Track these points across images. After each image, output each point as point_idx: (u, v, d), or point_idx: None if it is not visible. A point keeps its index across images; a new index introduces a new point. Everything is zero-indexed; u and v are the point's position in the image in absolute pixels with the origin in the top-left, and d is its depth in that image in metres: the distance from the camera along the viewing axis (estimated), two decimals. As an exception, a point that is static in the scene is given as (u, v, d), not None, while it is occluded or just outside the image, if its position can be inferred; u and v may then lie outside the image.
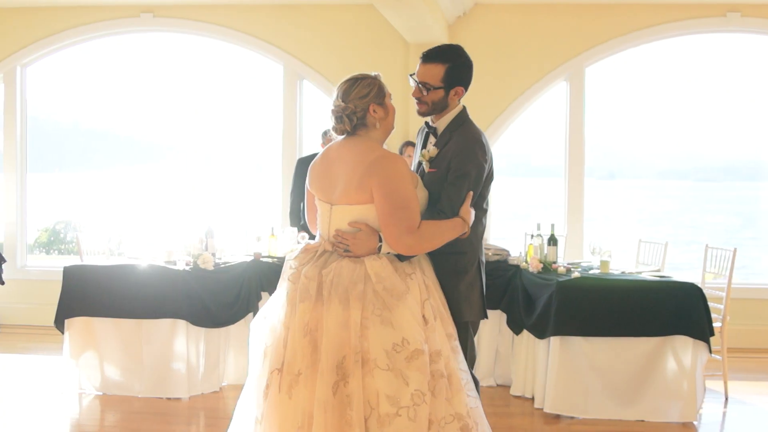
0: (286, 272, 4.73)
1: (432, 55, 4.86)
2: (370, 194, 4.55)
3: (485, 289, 5.04)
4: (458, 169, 4.72)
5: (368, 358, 4.36)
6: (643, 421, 7.48)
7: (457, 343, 4.63)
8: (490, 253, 8.69)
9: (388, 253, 4.59)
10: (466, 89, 4.94)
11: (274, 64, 11.80)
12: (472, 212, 4.77)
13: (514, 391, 8.33)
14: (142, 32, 12.17)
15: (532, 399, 8.06)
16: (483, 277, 4.99)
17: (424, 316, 4.51)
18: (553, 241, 8.61)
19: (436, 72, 4.82)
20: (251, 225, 10.70)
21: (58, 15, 11.81)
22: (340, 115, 4.66)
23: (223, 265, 8.39)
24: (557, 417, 7.60)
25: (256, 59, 12.13)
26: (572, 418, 7.57)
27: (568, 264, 8.66)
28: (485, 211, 5.01)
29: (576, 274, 7.86)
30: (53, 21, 11.83)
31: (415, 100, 4.94)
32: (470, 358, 4.91)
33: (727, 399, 8.32)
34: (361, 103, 4.62)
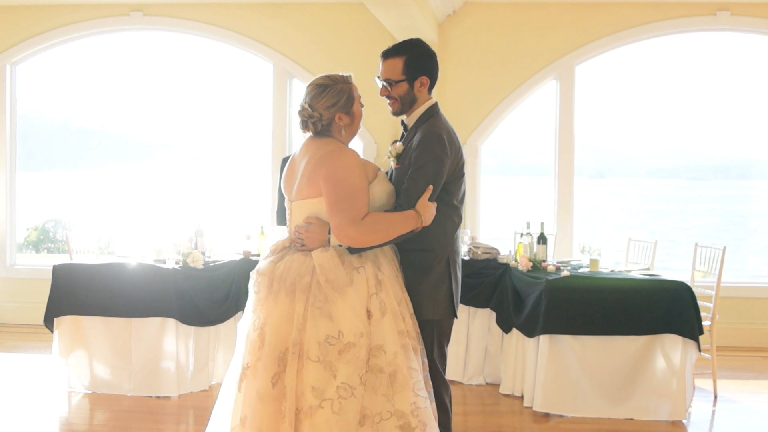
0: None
1: (390, 51, 4.92)
2: (319, 187, 4.57)
3: (458, 288, 5.00)
4: (416, 163, 4.71)
5: (303, 350, 4.41)
6: (632, 419, 7.49)
7: (409, 340, 4.58)
8: (479, 252, 8.70)
9: (341, 246, 4.58)
10: (431, 79, 4.97)
11: (263, 63, 11.79)
12: (432, 207, 4.69)
13: (503, 390, 8.33)
14: (132, 30, 12.14)
15: (522, 397, 8.06)
16: (455, 275, 4.94)
17: (369, 310, 4.50)
18: (542, 239, 8.62)
19: (396, 66, 4.87)
20: (241, 223, 10.71)
21: (47, 13, 11.79)
22: (305, 120, 4.70)
23: (212, 264, 8.39)
24: (546, 415, 7.60)
25: (246, 58, 12.12)
26: (561, 416, 7.57)
27: (558, 262, 8.67)
28: (456, 207, 4.94)
29: (565, 273, 7.86)
30: (43, 19, 11.80)
31: (387, 101, 4.99)
32: (438, 357, 4.90)
33: (716, 397, 8.33)
34: (327, 113, 4.67)
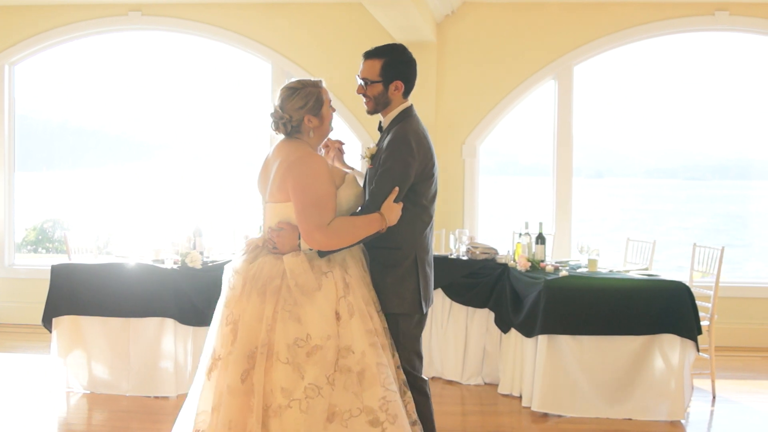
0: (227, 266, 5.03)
1: (371, 53, 5.07)
2: (288, 193, 4.77)
3: (428, 284, 5.11)
4: (382, 165, 4.88)
5: (273, 351, 4.59)
6: (630, 419, 7.50)
7: (378, 338, 4.75)
8: (478, 252, 8.71)
9: (311, 249, 4.77)
10: (406, 84, 5.08)
11: (262, 63, 11.79)
12: (397, 208, 4.84)
13: (501, 390, 8.34)
14: (130, 30, 12.14)
15: (520, 397, 8.07)
16: (423, 271, 5.05)
17: (337, 313, 4.68)
18: (541, 239, 8.63)
19: (374, 67, 5.01)
20: (239, 223, 10.70)
21: (46, 13, 11.79)
22: (276, 122, 4.93)
23: (211, 264, 8.39)
24: (545, 415, 7.61)
25: (245, 57, 12.12)
26: (560, 416, 7.58)
27: (556, 262, 8.68)
28: (425, 207, 5.05)
29: (564, 273, 7.87)
30: (42, 19, 11.81)
31: (363, 99, 5.14)
32: (405, 350, 5.01)
33: (714, 397, 8.34)
34: (296, 114, 4.89)
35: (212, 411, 4.70)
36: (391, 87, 5.02)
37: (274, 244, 4.85)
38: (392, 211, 4.81)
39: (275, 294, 4.68)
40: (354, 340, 4.66)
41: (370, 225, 4.77)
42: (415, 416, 4.91)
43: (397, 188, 4.80)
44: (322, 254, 4.75)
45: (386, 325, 4.92)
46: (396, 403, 4.65)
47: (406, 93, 5.11)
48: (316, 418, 4.52)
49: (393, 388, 4.68)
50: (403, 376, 4.93)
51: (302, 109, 4.87)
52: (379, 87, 5.02)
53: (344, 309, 4.70)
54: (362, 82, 5.06)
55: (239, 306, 4.77)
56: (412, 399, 4.92)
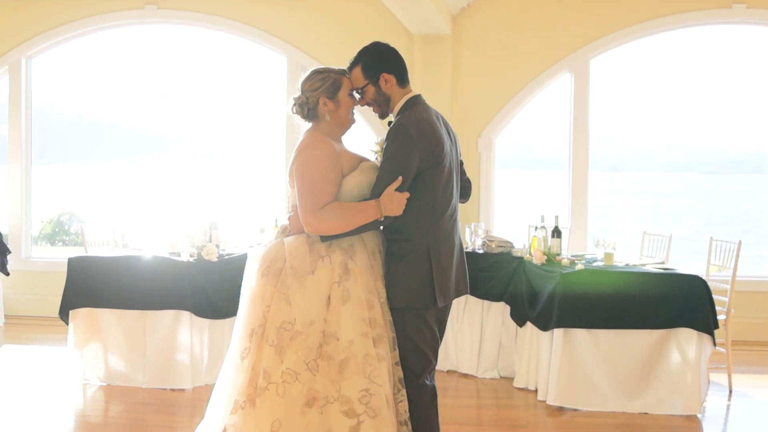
0: None
1: (349, 66, 5.05)
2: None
3: (445, 277, 4.91)
4: (384, 154, 4.85)
5: (265, 332, 4.70)
6: (646, 413, 7.47)
7: (374, 329, 4.68)
8: (493, 245, 8.70)
9: None
10: (395, 73, 5.00)
11: (278, 56, 11.79)
12: (398, 197, 4.71)
13: (517, 384, 8.33)
14: (146, 24, 12.14)
15: (536, 391, 8.05)
16: (437, 264, 4.87)
17: (329, 298, 4.69)
18: (557, 233, 8.60)
19: (357, 74, 4.98)
20: (255, 216, 10.71)
21: (63, 6, 11.82)
22: (295, 104, 4.98)
23: (227, 257, 8.40)
24: (560, 409, 7.59)
25: (260, 51, 12.12)
26: (576, 410, 7.56)
27: (572, 256, 8.65)
28: (434, 198, 4.88)
29: (580, 267, 7.84)
30: (58, 13, 11.84)
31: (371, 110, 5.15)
32: (410, 347, 4.86)
33: (731, 392, 8.31)
34: (312, 95, 4.91)
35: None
36: (381, 82, 4.94)
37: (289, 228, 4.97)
38: (391, 200, 4.68)
39: (276, 276, 4.73)
40: (341, 327, 4.62)
41: (364, 211, 4.67)
42: (406, 416, 4.79)
43: (400, 177, 4.69)
44: (323, 239, 4.73)
45: (390, 319, 4.82)
46: (380, 398, 4.55)
47: (401, 82, 5.01)
48: (293, 402, 4.53)
49: (380, 382, 4.57)
50: (400, 374, 4.81)
51: (317, 90, 4.89)
52: (371, 89, 4.97)
53: (337, 295, 4.66)
54: (358, 95, 5.04)
55: (250, 288, 4.87)
56: (405, 398, 4.81)
